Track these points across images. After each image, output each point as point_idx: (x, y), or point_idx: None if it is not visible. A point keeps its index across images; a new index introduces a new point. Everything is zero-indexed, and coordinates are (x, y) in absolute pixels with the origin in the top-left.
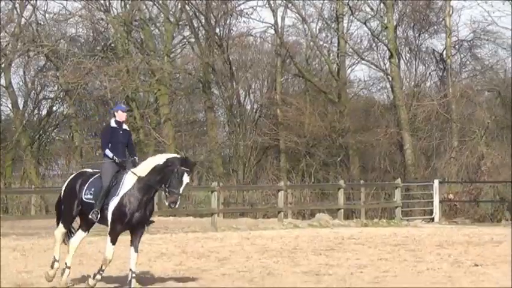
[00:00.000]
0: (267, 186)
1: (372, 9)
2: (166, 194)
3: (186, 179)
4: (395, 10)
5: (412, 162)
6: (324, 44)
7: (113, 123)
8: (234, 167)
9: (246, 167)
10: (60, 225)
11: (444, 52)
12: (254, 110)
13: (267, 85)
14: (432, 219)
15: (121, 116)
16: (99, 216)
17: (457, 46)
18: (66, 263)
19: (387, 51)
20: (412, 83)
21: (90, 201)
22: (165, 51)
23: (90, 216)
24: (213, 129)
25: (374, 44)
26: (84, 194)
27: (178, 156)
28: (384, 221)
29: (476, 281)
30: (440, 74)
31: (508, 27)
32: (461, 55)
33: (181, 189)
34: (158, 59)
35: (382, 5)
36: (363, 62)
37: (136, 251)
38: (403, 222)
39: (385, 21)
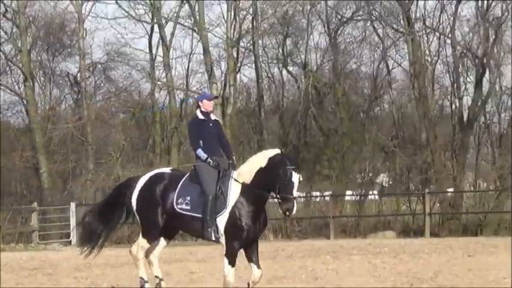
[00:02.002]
0: None
1: (5, 32)
2: (279, 201)
3: (296, 178)
4: (29, 33)
5: (48, 185)
6: None
7: (200, 115)
8: None
9: None
10: (142, 239)
11: (78, 75)
12: None
13: None
14: (70, 242)
15: (207, 105)
16: (214, 233)
17: (91, 68)
18: (157, 276)
19: (22, 75)
20: (47, 106)
21: (187, 212)
22: None
23: (213, 239)
24: None
25: (8, 68)
26: (177, 204)
27: (279, 152)
28: (21, 245)
29: None
30: (75, 96)
31: (141, 48)
32: (96, 77)
33: (294, 192)
34: None
35: (15, 28)
36: None
37: (259, 267)
38: (40, 246)
39: (19, 45)
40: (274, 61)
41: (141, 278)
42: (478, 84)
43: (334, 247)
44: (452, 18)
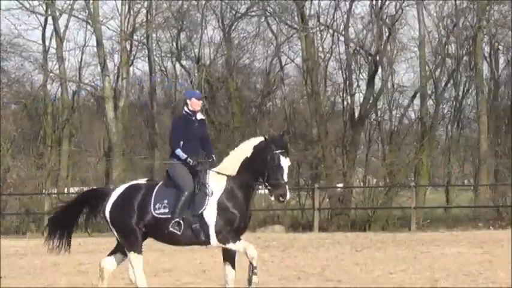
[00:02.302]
0: None
1: None
2: (269, 188)
3: (284, 162)
4: None
5: None
6: None
7: (188, 113)
8: None
9: None
10: (131, 254)
11: None
12: None
13: None
14: None
15: (195, 104)
16: (182, 228)
17: None
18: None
19: None
20: None
21: (166, 215)
22: None
23: (171, 229)
24: None
25: None
26: (155, 209)
27: (263, 138)
28: None
29: None
30: None
31: (34, 39)
32: None
33: (285, 177)
34: None
35: None
36: None
37: (234, 267)
38: None
39: None
40: (168, 55)
41: None
42: (370, 81)
43: None
44: (346, 16)
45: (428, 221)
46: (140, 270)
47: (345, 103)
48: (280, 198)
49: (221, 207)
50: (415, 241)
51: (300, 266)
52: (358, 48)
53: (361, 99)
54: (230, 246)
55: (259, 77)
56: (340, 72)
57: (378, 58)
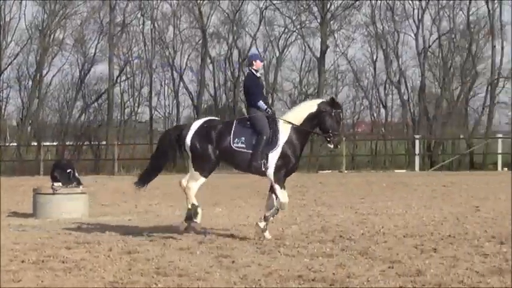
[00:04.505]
0: None
1: None
2: (328, 138)
3: (340, 119)
4: None
5: None
6: None
7: (255, 73)
8: None
9: None
10: (194, 173)
11: None
12: None
13: None
14: None
15: (259, 65)
16: (265, 166)
17: None
18: (194, 204)
19: None
20: None
21: (242, 149)
22: None
23: (263, 169)
24: None
25: None
26: (234, 143)
27: (325, 100)
28: None
29: None
30: None
31: None
32: None
33: (340, 130)
34: None
35: None
36: None
37: (277, 196)
38: None
39: None
40: None
41: (193, 204)
42: None
43: None
44: None
45: None
46: (196, 186)
47: None
48: (338, 145)
49: (283, 152)
50: None
51: None
52: None
53: None
54: (275, 186)
55: None
56: None
57: None
